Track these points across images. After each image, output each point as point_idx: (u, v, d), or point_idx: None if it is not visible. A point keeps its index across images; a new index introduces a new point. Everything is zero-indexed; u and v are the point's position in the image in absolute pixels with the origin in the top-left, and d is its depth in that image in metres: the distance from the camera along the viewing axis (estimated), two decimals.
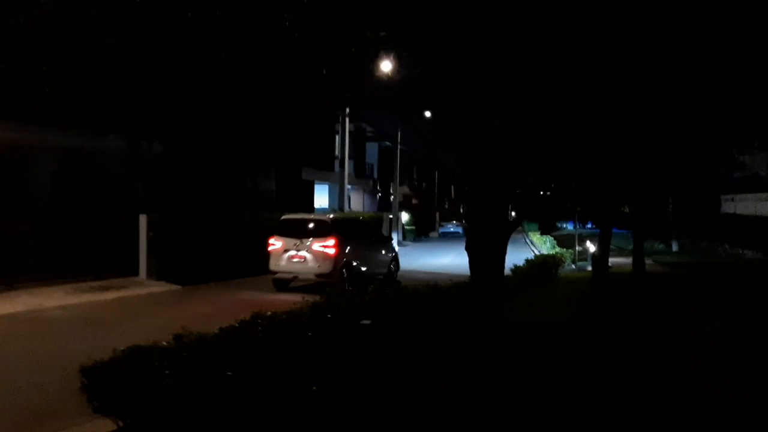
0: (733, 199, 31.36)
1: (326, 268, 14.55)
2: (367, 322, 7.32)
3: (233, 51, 12.77)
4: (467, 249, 9.09)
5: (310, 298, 8.15)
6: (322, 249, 14.62)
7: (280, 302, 8.39)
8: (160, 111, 14.81)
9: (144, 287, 14.43)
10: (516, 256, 19.49)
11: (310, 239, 14.75)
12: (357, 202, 37.86)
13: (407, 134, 38.80)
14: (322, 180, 28.87)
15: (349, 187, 31.86)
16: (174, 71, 14.63)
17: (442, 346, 8.06)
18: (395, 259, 17.84)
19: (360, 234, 16.53)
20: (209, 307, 11.60)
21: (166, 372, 5.42)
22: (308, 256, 14.66)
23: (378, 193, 44.29)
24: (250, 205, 19.28)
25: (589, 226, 23.03)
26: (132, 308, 11.90)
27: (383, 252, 17.39)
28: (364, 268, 15.64)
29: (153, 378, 5.39)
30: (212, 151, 17.44)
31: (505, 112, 8.80)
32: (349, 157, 29.55)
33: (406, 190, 51.80)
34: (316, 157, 26.18)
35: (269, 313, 7.29)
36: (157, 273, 15.22)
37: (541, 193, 14.80)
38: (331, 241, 14.68)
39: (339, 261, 14.71)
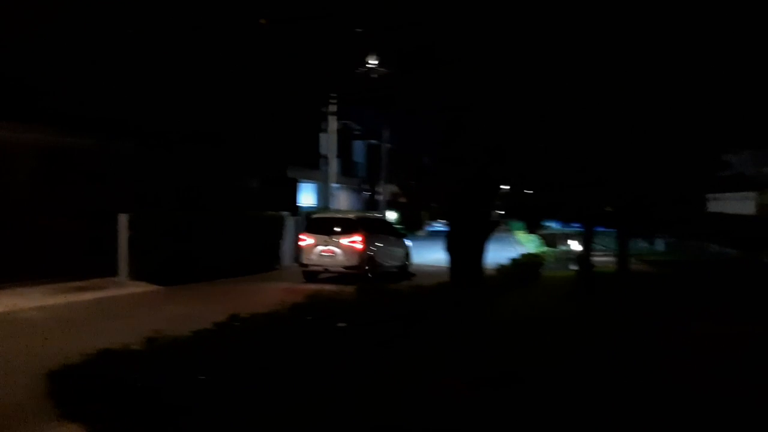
0: (718, 198, 31.45)
1: (354, 261, 16.32)
2: (343, 324, 7.21)
3: (218, 45, 12.63)
4: (447, 250, 9.01)
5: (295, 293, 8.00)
6: (350, 244, 16.39)
7: (261, 304, 8.25)
8: (138, 105, 14.65)
9: (123, 288, 14.22)
10: (502, 255, 19.49)
11: (339, 236, 16.50)
12: (344, 201, 37.71)
13: (395, 132, 38.73)
14: (308, 178, 28.69)
15: (336, 185, 31.72)
16: (155, 64, 14.49)
17: (423, 348, 7.94)
18: (408, 254, 19.37)
19: (380, 230, 18.13)
20: (189, 308, 11.42)
21: (135, 377, 5.30)
22: (337, 250, 16.43)
23: (365, 191, 44.16)
24: (233, 204, 19.08)
25: (576, 225, 23.03)
26: (109, 309, 11.69)
27: (399, 247, 18.90)
28: (383, 261, 17.44)
29: (121, 383, 5.26)
30: (195, 149, 17.30)
31: (486, 112, 8.71)
32: (336, 156, 29.43)
33: (394, 188, 51.67)
34: (302, 155, 26.01)
35: (246, 314, 7.18)
36: (137, 273, 14.98)
37: (526, 192, 14.70)
38: (358, 237, 16.47)
39: (364, 255, 16.49)
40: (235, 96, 16.84)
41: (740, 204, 28.27)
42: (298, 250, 17.30)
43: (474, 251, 9.47)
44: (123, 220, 15.12)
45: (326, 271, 16.78)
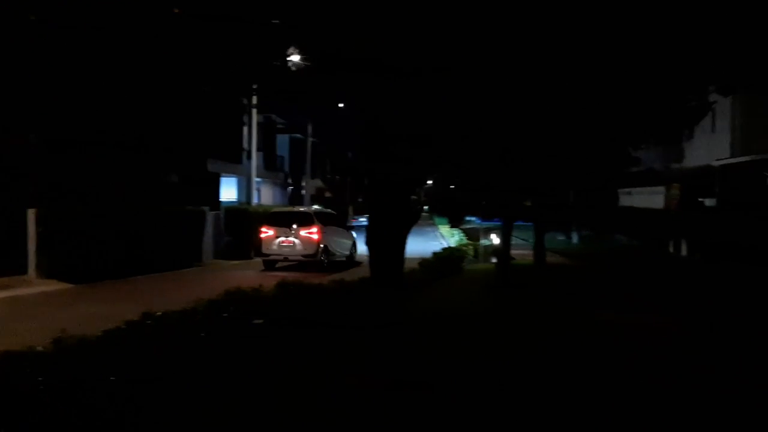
0: (630, 193, 32.86)
1: (311, 250, 18.28)
2: (260, 321, 7.15)
3: (133, 35, 12.22)
4: (367, 244, 9.07)
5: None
6: (308, 235, 18.35)
7: (177, 302, 8.05)
8: (41, 96, 14.01)
9: (33, 287, 13.60)
10: (426, 248, 19.87)
11: (297, 228, 18.37)
12: (267, 196, 37.24)
13: (319, 126, 38.58)
14: (230, 172, 28.21)
15: (259, 180, 31.30)
16: (69, 54, 13.90)
17: (343, 342, 7.97)
18: (354, 244, 21.06)
19: (332, 223, 20.04)
20: (101, 307, 11.02)
21: (39, 379, 5.09)
22: (296, 241, 18.35)
23: (289, 186, 43.77)
24: (150, 198, 18.54)
25: (497, 220, 23.66)
26: (16, 309, 11.16)
27: (347, 239, 20.93)
28: (335, 251, 19.43)
29: (25, 386, 5.04)
30: (111, 142, 16.71)
31: (405, 108, 8.81)
32: (259, 149, 29.02)
33: (318, 183, 51.48)
34: (223, 148, 25.52)
35: (159, 312, 7.00)
36: (48, 271, 14.37)
37: (450, 187, 14.89)
38: (315, 229, 18.43)
39: (320, 245, 18.43)
40: (152, 89, 16.36)
41: (651, 198, 29.64)
42: (259, 241, 18.97)
43: (394, 245, 9.56)
44: (31, 215, 14.44)
45: (286, 259, 18.63)
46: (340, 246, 20.00)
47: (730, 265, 18.30)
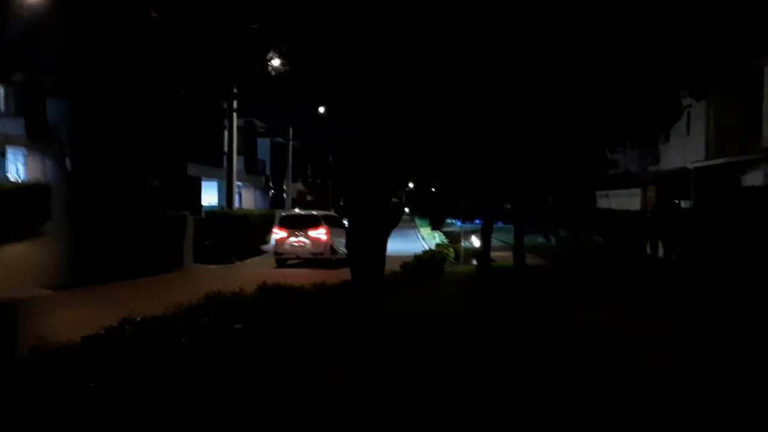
0: (607, 195, 33.22)
1: (320, 249, 21.03)
2: (239, 326, 7.18)
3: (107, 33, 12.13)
4: (347, 248, 9.12)
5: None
6: (317, 236, 20.99)
7: (158, 306, 8.05)
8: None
9: (11, 292, 13.44)
10: (407, 250, 19.99)
11: (307, 229, 20.96)
12: (248, 199, 37.16)
13: (300, 130, 38.55)
14: (211, 176, 28.14)
15: (240, 184, 31.22)
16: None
17: (324, 344, 8.03)
18: None
19: (335, 225, 21.92)
20: (80, 313, 10.94)
21: (16, 386, 5.09)
22: (307, 241, 20.99)
23: (270, 190, 43.69)
24: (130, 203, 18.42)
25: (477, 221, 23.86)
26: None
27: None
28: (338, 249, 20.82)
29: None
30: (89, 146, 16.61)
31: (384, 113, 8.88)
32: (240, 153, 28.94)
33: (300, 186, 51.40)
34: (204, 152, 25.48)
35: (139, 318, 7.01)
36: None
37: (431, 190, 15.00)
38: (323, 230, 21.06)
39: (328, 244, 20.99)
40: (132, 92, 16.29)
41: (628, 200, 30.01)
42: (272, 241, 21.58)
43: (374, 248, 9.61)
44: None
45: (297, 257, 21.36)
46: (343, 245, 21.22)
47: (704, 263, 18.56)
